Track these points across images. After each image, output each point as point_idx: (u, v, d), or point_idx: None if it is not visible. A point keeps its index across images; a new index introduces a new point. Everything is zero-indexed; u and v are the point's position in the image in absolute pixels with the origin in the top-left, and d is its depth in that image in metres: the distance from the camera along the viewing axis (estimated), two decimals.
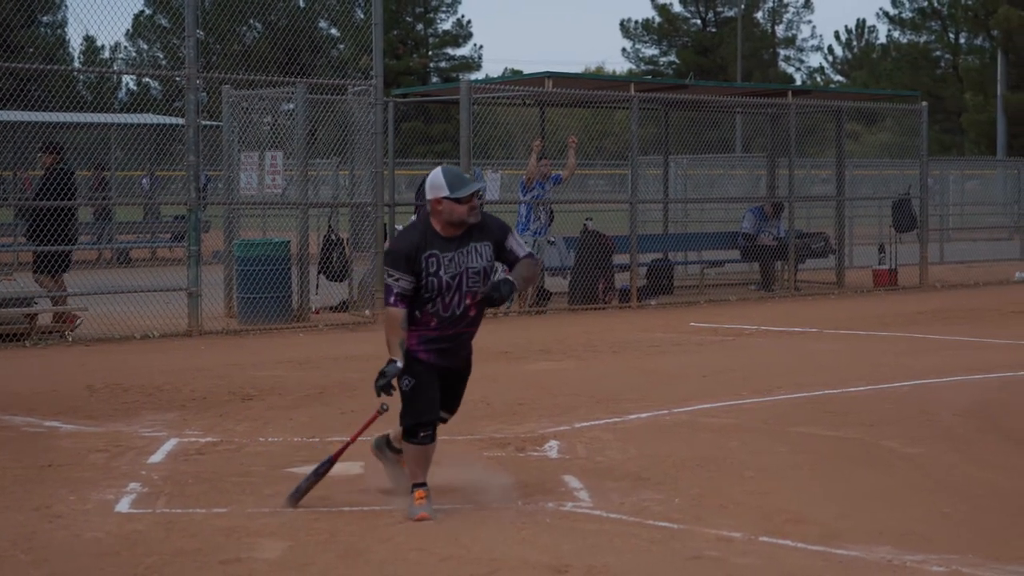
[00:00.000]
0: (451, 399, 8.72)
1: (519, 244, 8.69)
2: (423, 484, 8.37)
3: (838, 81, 78.51)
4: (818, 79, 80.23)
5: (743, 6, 75.33)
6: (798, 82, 76.22)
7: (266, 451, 10.55)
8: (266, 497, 8.96)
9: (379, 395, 8.30)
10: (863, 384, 13.92)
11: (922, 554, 7.57)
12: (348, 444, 8.86)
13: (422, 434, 8.36)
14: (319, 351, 16.61)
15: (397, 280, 8.24)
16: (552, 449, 10.61)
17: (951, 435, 11.26)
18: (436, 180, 8.29)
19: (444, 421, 8.72)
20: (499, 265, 8.75)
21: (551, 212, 22.84)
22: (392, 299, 8.29)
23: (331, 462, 8.79)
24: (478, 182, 8.54)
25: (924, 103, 27.53)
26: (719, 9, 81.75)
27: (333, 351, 16.57)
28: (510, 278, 8.54)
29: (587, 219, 23.98)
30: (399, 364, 8.30)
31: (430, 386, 8.42)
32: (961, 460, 10.27)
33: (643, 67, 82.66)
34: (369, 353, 16.31)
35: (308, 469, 9.12)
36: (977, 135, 61.18)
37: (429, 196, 8.28)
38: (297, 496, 8.65)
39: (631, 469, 9.71)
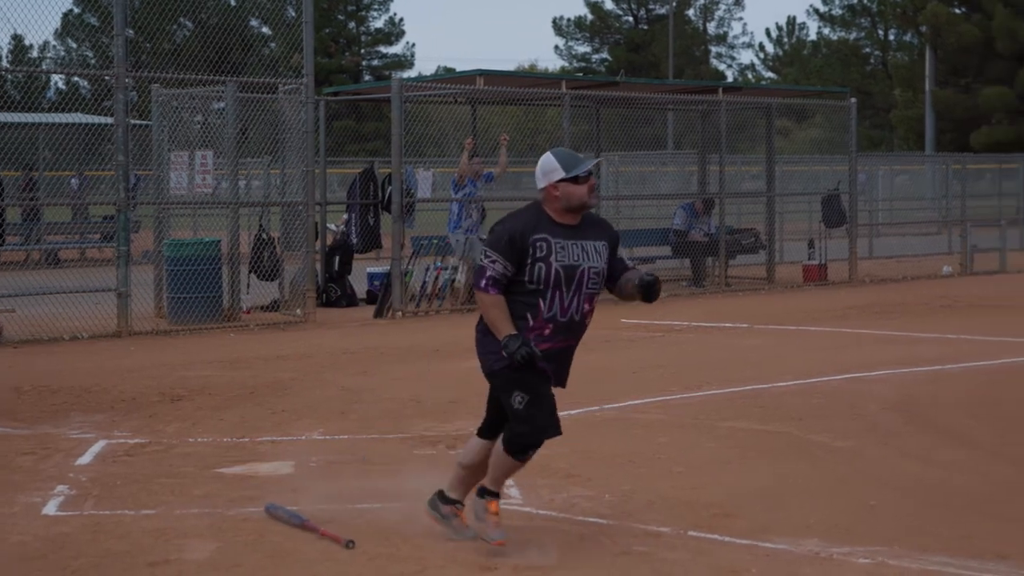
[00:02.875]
0: None
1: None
2: (499, 495, 7.64)
3: (769, 78, 78.90)
4: (749, 76, 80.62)
5: (675, 3, 75.59)
6: (729, 79, 76.53)
7: (195, 452, 10.48)
8: (195, 498, 8.91)
9: (520, 361, 7.22)
10: (792, 379, 14.00)
11: (849, 546, 7.64)
12: (314, 528, 8.01)
13: (531, 452, 7.47)
14: (250, 351, 16.54)
15: (493, 262, 7.34)
16: None
17: (879, 428, 11.36)
18: (548, 164, 7.45)
19: None
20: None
21: (483, 210, 22.85)
22: (483, 282, 7.37)
23: (304, 526, 8.05)
24: (592, 158, 7.68)
25: (853, 99, 27.70)
26: (651, 6, 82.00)
27: (264, 351, 16.50)
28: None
29: None
30: (517, 336, 7.28)
31: (548, 397, 7.47)
32: (888, 453, 10.37)
33: (575, 64, 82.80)
34: (301, 352, 16.30)
35: (238, 470, 9.08)
36: (906, 131, 61.64)
37: (543, 183, 7.43)
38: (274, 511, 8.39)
39: (561, 466, 9.71)
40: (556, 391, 7.60)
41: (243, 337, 18.18)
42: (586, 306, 7.44)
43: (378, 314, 20.57)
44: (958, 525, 8.18)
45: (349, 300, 22.17)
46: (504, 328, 7.29)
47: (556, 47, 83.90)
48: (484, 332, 7.52)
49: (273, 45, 59.60)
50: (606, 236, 7.55)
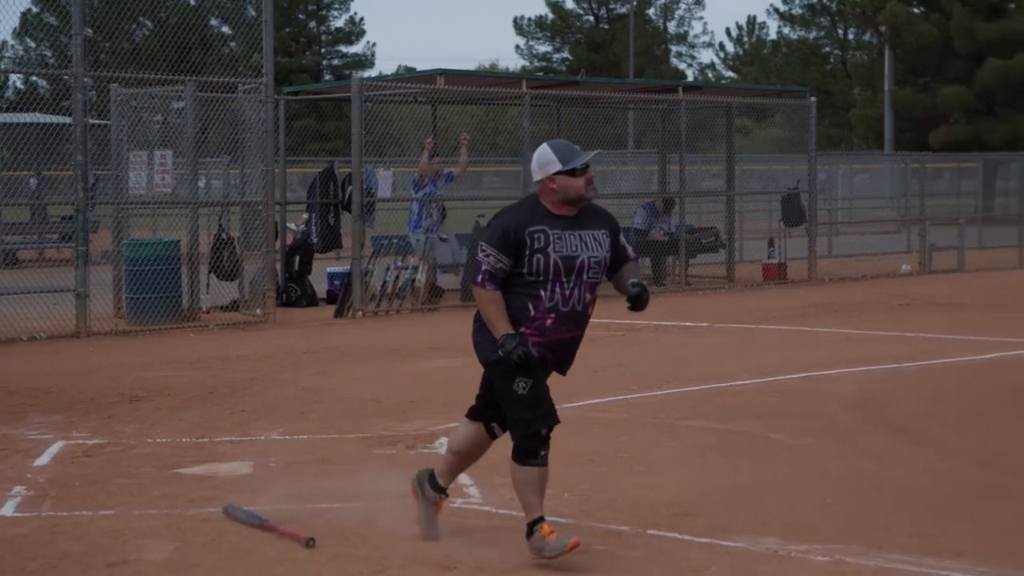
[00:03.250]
0: None
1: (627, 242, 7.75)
2: (544, 517, 7.36)
3: (729, 77, 79.11)
4: (709, 75, 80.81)
5: (635, 3, 75.72)
6: (690, 78, 76.68)
7: (154, 452, 10.43)
8: (154, 499, 8.87)
9: (516, 361, 7.13)
10: (751, 377, 14.05)
11: (807, 544, 7.67)
12: (273, 528, 7.97)
13: (543, 452, 7.29)
14: (209, 351, 16.49)
15: (488, 256, 7.27)
16: (442, 446, 10.39)
17: (837, 427, 11.41)
18: (544, 156, 7.38)
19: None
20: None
21: (443, 209, 22.85)
22: (480, 278, 7.25)
23: (263, 526, 8.03)
24: (587, 151, 7.51)
25: (813, 99, 27.79)
26: (611, 6, 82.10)
27: (223, 351, 16.45)
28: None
29: (479, 215, 24.01)
30: (514, 335, 7.19)
31: (547, 389, 7.37)
32: (846, 451, 10.42)
33: (536, 64, 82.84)
34: (261, 352, 16.26)
35: (197, 470, 9.06)
36: (865, 130, 61.92)
37: (539, 175, 7.36)
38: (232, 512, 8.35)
39: None
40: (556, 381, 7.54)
41: (203, 337, 18.13)
42: (587, 295, 7.38)
43: (338, 314, 20.53)
44: (915, 523, 8.22)
45: (309, 300, 22.13)
46: (501, 326, 7.21)
47: (517, 47, 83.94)
48: (481, 326, 7.43)
49: (233, 44, 59.45)
50: (607, 224, 7.50)
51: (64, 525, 8.19)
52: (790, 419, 11.65)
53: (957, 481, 9.43)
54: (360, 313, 20.35)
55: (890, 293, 24.06)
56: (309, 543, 7.62)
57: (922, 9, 59.16)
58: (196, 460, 10.04)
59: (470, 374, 14.33)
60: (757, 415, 11.81)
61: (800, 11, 74.54)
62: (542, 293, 7.26)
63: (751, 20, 79.61)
